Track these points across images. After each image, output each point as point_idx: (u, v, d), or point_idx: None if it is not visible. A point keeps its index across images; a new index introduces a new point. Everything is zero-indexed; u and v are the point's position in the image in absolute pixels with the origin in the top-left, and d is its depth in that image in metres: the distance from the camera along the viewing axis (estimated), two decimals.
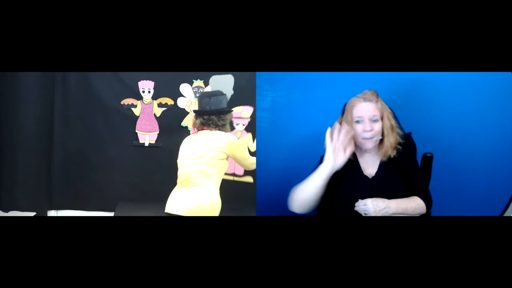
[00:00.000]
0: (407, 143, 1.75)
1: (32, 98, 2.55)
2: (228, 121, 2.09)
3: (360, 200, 1.64)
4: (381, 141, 1.70)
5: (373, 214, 1.60)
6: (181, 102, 2.73)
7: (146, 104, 2.71)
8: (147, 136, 2.73)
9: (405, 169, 1.71)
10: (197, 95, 2.70)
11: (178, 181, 2.07)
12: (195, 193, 1.97)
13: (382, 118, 1.68)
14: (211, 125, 2.03)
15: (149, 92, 2.70)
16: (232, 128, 2.58)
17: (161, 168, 2.68)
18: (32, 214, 2.60)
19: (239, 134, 2.67)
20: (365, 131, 1.64)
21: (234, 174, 2.58)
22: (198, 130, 2.07)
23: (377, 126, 1.66)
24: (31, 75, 2.50)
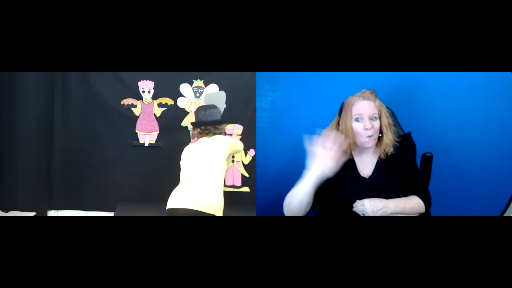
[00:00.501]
0: (406, 142, 1.76)
1: (32, 98, 2.55)
2: (223, 130, 2.30)
3: (358, 201, 1.64)
4: (379, 139, 1.70)
5: (371, 215, 1.60)
6: (181, 102, 2.73)
7: (146, 104, 2.71)
8: (147, 136, 2.73)
9: (403, 168, 1.72)
10: (197, 95, 2.71)
11: (180, 180, 2.14)
12: (204, 190, 2.03)
13: (380, 117, 1.69)
14: (209, 133, 2.23)
15: (149, 92, 2.70)
16: None
17: (161, 168, 2.68)
18: (32, 214, 2.60)
19: None
20: (365, 128, 1.64)
21: (233, 186, 2.73)
22: (198, 139, 2.23)
23: (376, 124, 1.67)
24: (31, 75, 2.50)
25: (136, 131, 2.72)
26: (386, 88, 1.99)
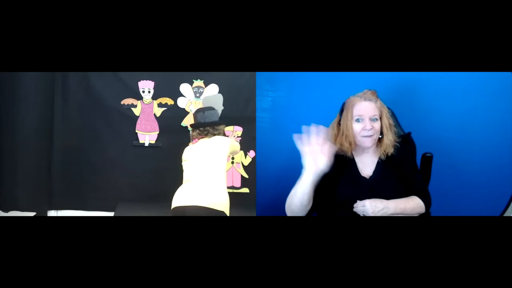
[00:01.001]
0: (406, 143, 1.76)
1: (32, 98, 2.55)
2: (222, 131, 2.31)
3: (358, 201, 1.64)
4: (380, 140, 1.70)
5: (372, 215, 1.60)
6: (181, 102, 2.73)
7: (146, 104, 2.71)
8: (147, 136, 2.73)
9: (403, 168, 1.71)
10: (197, 95, 2.71)
11: (185, 179, 2.15)
12: (212, 189, 2.05)
13: (381, 117, 1.69)
14: (208, 134, 2.24)
15: (149, 92, 2.70)
16: None
17: (161, 168, 2.68)
18: (32, 214, 2.60)
19: None
20: (365, 129, 1.64)
21: (232, 187, 2.74)
22: (198, 140, 2.25)
23: (377, 125, 1.67)
24: (31, 75, 2.50)
25: (136, 131, 2.72)
26: (387, 88, 1.98)
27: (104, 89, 2.68)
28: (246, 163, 2.75)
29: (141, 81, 2.70)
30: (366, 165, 1.72)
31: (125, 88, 2.69)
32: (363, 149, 1.72)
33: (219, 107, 2.57)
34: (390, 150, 1.69)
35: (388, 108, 1.77)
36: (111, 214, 2.59)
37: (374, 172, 1.71)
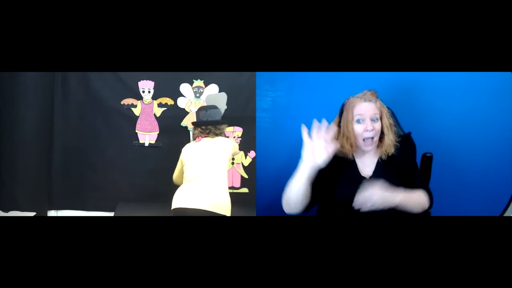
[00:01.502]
0: (406, 142, 1.76)
1: (32, 98, 2.54)
2: (224, 131, 2.31)
3: (364, 191, 1.56)
4: (380, 140, 1.70)
5: (379, 207, 1.54)
6: (181, 102, 2.73)
7: (146, 104, 2.71)
8: (147, 136, 2.73)
9: (403, 168, 1.71)
10: (197, 95, 2.71)
11: (187, 179, 2.14)
12: (213, 190, 2.05)
13: (381, 117, 1.68)
14: (210, 133, 2.24)
15: (149, 92, 2.70)
16: None
17: (161, 168, 2.68)
18: (32, 214, 2.60)
19: None
20: (366, 130, 1.64)
21: (232, 187, 2.74)
22: (202, 138, 2.25)
23: (378, 126, 1.66)
24: (31, 75, 2.50)
25: (136, 131, 2.72)
26: (386, 88, 1.99)
27: (104, 89, 2.68)
28: (246, 164, 2.75)
29: (141, 81, 2.70)
30: (366, 165, 1.72)
31: (125, 88, 2.69)
32: (364, 150, 1.71)
33: (223, 106, 2.56)
34: (391, 150, 1.69)
35: (388, 108, 1.77)
36: (111, 214, 2.59)
37: (374, 172, 1.70)
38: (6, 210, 2.59)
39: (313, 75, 2.18)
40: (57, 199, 2.72)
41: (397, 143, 1.71)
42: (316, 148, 1.50)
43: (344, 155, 1.68)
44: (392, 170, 1.70)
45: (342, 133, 1.67)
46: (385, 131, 1.69)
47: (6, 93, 2.51)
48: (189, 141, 2.36)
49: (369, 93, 1.70)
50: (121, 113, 2.70)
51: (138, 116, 2.71)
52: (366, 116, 1.65)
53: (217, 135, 2.25)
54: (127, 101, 2.70)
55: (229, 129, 2.68)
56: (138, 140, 2.72)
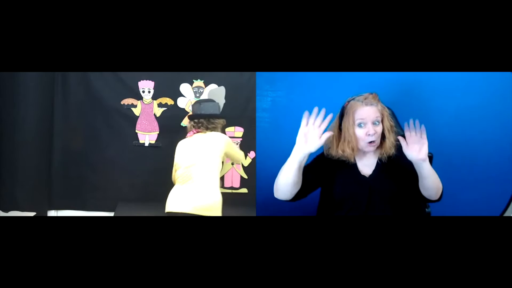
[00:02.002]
0: None
1: (32, 98, 2.54)
2: (220, 126, 2.27)
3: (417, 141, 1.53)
4: (381, 142, 1.70)
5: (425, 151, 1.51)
6: (181, 102, 2.73)
7: (146, 104, 2.71)
8: (147, 136, 2.73)
9: (403, 167, 1.71)
10: (197, 95, 2.71)
11: (178, 180, 2.13)
12: (202, 191, 2.04)
13: (382, 120, 1.67)
14: (201, 127, 2.21)
15: (149, 92, 2.70)
16: None
17: (161, 168, 2.67)
18: (32, 214, 2.60)
19: None
20: (368, 135, 1.63)
21: (231, 187, 2.73)
22: (194, 133, 2.22)
23: (379, 129, 1.65)
24: (31, 75, 2.50)
25: (136, 131, 2.72)
26: (386, 88, 1.99)
27: (104, 89, 2.67)
28: (246, 164, 2.74)
29: (141, 81, 2.70)
30: (366, 165, 1.72)
31: (125, 88, 2.68)
32: (365, 152, 1.71)
33: (221, 100, 2.54)
34: (392, 151, 1.68)
35: (388, 108, 1.77)
36: (111, 214, 2.59)
37: (374, 171, 1.70)
38: (6, 210, 2.59)
39: (313, 75, 2.18)
40: (57, 199, 2.71)
41: (397, 143, 1.71)
42: (310, 134, 1.51)
43: (346, 159, 1.67)
44: (392, 169, 1.70)
45: (344, 138, 1.66)
46: (386, 134, 1.67)
47: (6, 93, 2.52)
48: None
49: (370, 96, 1.67)
50: (121, 113, 2.70)
51: (138, 116, 2.71)
52: (368, 120, 1.63)
53: (209, 129, 2.21)
54: (127, 101, 2.70)
55: (230, 129, 2.68)
56: (138, 140, 2.72)
